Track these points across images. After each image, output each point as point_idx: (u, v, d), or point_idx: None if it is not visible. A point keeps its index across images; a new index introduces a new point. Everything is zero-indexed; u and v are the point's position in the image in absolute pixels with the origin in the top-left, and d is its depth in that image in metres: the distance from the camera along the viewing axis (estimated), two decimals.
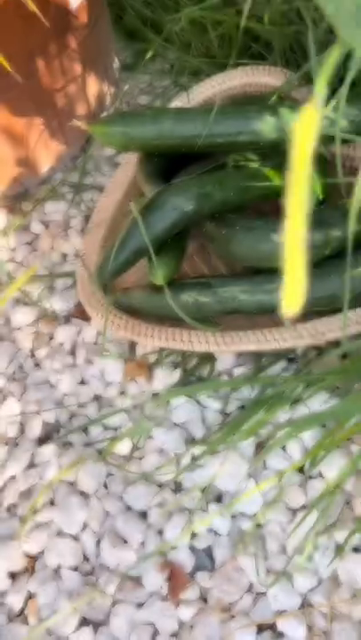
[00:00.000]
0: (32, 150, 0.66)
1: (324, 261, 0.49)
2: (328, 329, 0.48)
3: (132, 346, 0.55)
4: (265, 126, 0.49)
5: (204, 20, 0.63)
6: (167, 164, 0.57)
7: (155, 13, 0.68)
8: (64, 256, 0.64)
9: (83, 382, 0.55)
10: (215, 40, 0.64)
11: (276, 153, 0.53)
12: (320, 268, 0.49)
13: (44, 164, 0.68)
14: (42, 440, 0.52)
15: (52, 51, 0.61)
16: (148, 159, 0.57)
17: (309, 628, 0.41)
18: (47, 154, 0.68)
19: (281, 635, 0.41)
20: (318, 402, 0.49)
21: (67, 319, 0.59)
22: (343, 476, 0.44)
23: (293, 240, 0.13)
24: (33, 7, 0.48)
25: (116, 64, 0.74)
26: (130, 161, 0.62)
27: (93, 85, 0.69)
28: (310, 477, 0.46)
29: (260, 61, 0.60)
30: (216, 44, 0.65)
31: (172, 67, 0.72)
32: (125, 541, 0.46)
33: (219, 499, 0.47)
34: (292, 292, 0.13)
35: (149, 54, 0.67)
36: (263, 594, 0.42)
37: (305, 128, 0.15)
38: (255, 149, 0.53)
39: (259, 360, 0.52)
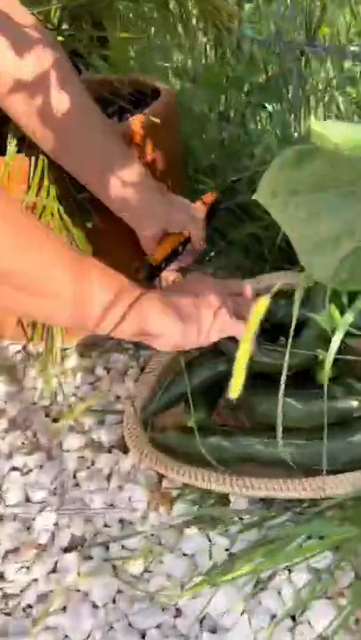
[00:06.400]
0: None
1: (329, 427, 0.57)
2: (329, 486, 0.55)
3: (160, 479, 0.63)
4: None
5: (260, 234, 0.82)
6: None
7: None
8: (118, 397, 0.76)
9: (112, 505, 0.62)
10: (267, 248, 0.82)
11: None
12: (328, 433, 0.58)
13: None
14: (67, 549, 0.59)
15: None
16: None
17: None
18: None
19: None
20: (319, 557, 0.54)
21: (109, 449, 0.69)
22: (334, 629, 0.48)
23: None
24: None
25: None
26: None
27: None
28: (300, 623, 0.50)
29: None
30: (267, 250, 0.82)
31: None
32: None
33: (213, 629, 0.51)
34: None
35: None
36: None
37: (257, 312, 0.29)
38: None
39: (269, 507, 0.58)
